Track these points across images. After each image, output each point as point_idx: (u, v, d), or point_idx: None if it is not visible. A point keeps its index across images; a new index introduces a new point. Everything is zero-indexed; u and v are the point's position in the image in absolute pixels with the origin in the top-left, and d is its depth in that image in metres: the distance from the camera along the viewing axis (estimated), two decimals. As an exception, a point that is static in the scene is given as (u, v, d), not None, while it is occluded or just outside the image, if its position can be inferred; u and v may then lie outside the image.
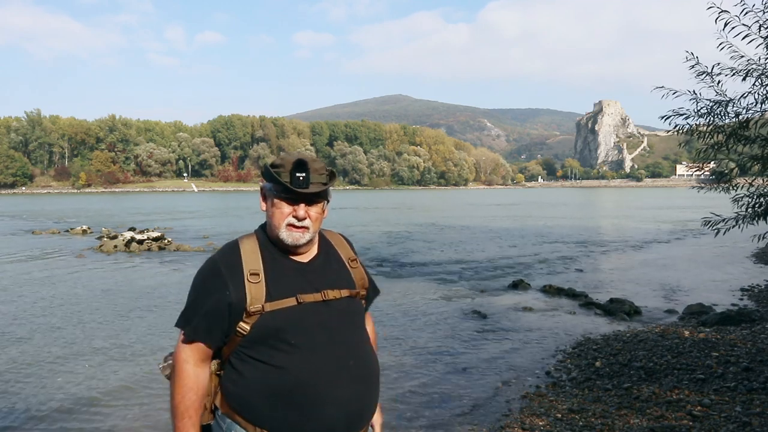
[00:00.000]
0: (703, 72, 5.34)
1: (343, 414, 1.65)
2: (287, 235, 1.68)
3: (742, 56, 5.15)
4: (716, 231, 5.58)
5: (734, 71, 5.19)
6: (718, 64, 5.24)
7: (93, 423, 4.97)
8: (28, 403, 5.39)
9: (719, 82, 5.31)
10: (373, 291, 1.95)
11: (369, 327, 1.97)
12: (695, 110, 5.43)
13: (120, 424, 4.94)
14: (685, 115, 5.47)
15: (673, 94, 5.56)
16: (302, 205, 1.68)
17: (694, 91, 5.40)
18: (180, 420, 1.66)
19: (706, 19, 5.26)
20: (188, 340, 1.68)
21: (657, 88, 5.65)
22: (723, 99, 5.32)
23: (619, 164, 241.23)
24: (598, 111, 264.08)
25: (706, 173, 6.37)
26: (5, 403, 5.38)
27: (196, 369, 1.68)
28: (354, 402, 1.68)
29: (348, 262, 1.84)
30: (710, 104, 5.37)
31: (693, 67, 5.41)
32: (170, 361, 1.77)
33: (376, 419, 1.91)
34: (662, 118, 5.64)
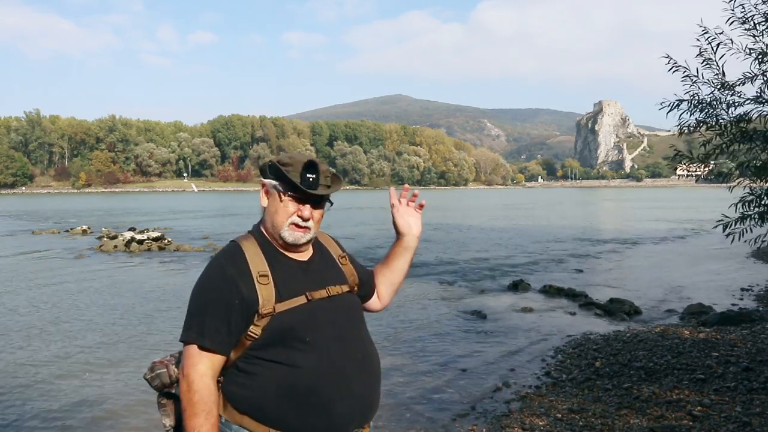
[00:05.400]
0: (707, 58, 5.35)
1: (357, 407, 1.69)
2: (289, 234, 1.69)
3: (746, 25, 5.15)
4: (732, 238, 5.36)
5: (739, 49, 5.20)
6: (721, 33, 5.23)
7: (90, 424, 4.97)
8: (23, 403, 5.38)
9: (723, 72, 5.31)
10: (367, 278, 1.95)
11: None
12: (696, 100, 5.42)
13: (119, 425, 4.94)
14: (687, 99, 5.45)
15: (676, 70, 5.52)
16: (308, 206, 1.69)
17: (697, 70, 5.41)
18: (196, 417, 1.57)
19: (703, 20, 5.28)
20: (205, 350, 1.60)
21: (663, 56, 5.60)
22: (720, 96, 5.32)
23: (619, 164, 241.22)
24: (598, 111, 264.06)
25: (704, 172, 6.34)
26: (3, 404, 5.38)
27: (213, 383, 1.62)
28: (366, 394, 1.73)
29: (338, 259, 1.87)
30: (710, 98, 5.37)
31: (698, 55, 5.39)
32: (158, 371, 1.72)
33: None
34: (662, 108, 5.62)
